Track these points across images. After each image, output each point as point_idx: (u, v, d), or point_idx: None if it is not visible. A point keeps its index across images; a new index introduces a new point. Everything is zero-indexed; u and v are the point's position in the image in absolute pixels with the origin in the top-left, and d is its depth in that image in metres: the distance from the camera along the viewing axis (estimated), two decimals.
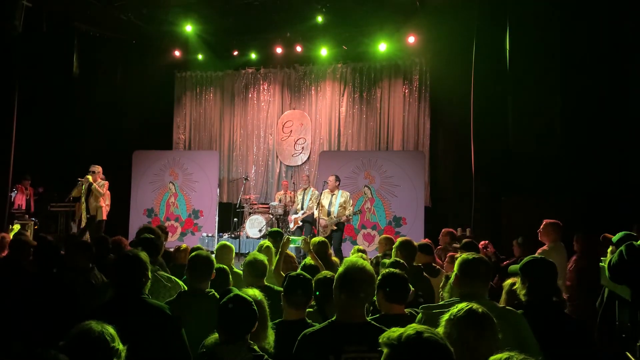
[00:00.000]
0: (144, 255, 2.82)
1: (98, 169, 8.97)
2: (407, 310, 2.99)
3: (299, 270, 4.18)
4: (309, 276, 3.03)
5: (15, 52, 8.39)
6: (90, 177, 8.81)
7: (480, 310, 2.05)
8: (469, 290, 2.57)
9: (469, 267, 2.63)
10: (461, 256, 2.73)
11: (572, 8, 7.63)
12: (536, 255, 3.09)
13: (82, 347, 1.85)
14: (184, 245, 5.42)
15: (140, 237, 4.43)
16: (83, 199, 8.87)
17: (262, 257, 3.84)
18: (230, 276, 3.73)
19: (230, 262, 4.54)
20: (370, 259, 4.89)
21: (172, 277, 3.89)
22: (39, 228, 9.80)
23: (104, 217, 8.91)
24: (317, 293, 3.03)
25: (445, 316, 2.08)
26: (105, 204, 8.95)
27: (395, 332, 1.56)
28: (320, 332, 2.34)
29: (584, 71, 7.65)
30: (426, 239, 6.45)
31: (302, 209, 9.21)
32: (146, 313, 2.65)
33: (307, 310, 3.17)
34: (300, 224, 9.15)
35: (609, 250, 4.63)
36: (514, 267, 3.03)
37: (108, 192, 9.13)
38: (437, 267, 5.00)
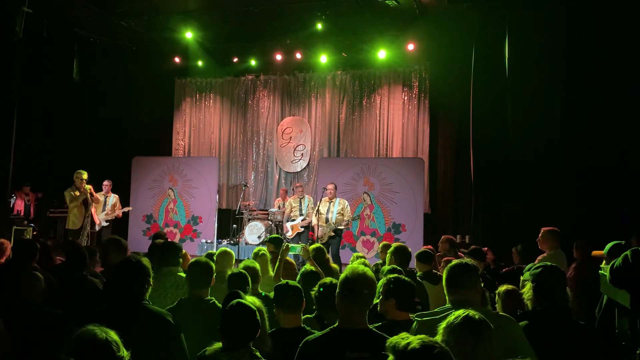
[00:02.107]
0: (146, 261, 2.82)
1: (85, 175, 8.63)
2: (411, 316, 3.00)
3: (298, 277, 4.21)
4: (295, 283, 3.06)
5: (15, 58, 8.40)
6: (89, 187, 8.56)
7: (477, 316, 2.06)
8: (458, 297, 2.56)
9: (453, 274, 2.63)
10: (449, 264, 2.74)
11: (571, 15, 7.67)
12: (546, 263, 3.07)
13: (87, 354, 1.84)
14: (182, 252, 5.40)
15: (164, 242, 4.53)
16: (87, 210, 8.63)
17: (254, 263, 3.92)
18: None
19: (230, 268, 4.55)
20: (370, 266, 4.89)
21: None
22: (38, 234, 9.79)
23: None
24: (321, 290, 3.10)
25: (443, 324, 2.09)
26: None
27: (403, 340, 1.58)
28: (323, 338, 2.35)
29: (584, 79, 7.69)
30: (429, 246, 6.46)
31: (300, 215, 9.26)
32: (147, 319, 2.64)
33: (306, 317, 3.18)
34: (302, 230, 9.17)
35: (604, 262, 4.63)
36: (526, 276, 3.02)
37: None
38: (439, 274, 4.99)
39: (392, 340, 1.60)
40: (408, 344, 1.56)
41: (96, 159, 11.55)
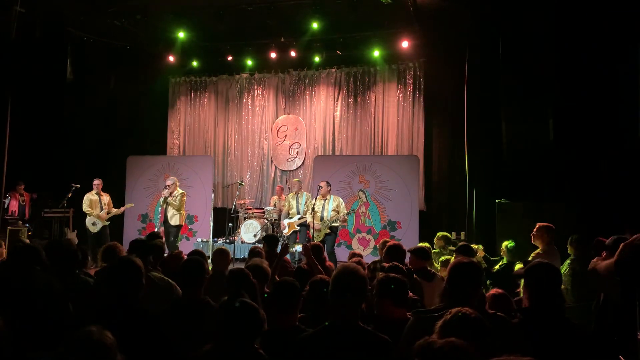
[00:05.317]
0: (138, 261, 2.81)
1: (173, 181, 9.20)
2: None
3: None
4: (293, 280, 3.04)
5: (8, 58, 8.37)
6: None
7: (473, 315, 2.07)
8: (458, 296, 2.55)
9: (458, 272, 2.62)
10: (452, 261, 2.74)
11: (565, 12, 7.68)
12: (541, 260, 3.07)
13: (84, 355, 1.84)
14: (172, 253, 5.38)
15: (134, 241, 4.49)
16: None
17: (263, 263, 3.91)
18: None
19: (226, 266, 4.55)
20: (367, 263, 4.90)
21: (165, 277, 3.90)
22: (33, 234, 9.76)
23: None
24: (314, 288, 3.08)
25: (440, 322, 2.10)
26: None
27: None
28: (315, 336, 2.36)
29: (577, 75, 7.70)
30: (424, 243, 6.46)
31: (297, 213, 9.20)
32: (139, 320, 2.64)
33: (301, 315, 3.17)
34: (297, 228, 9.11)
35: (603, 256, 4.63)
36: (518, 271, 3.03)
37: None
38: (433, 271, 5.00)
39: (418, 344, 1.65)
40: (432, 343, 1.60)
41: (90, 158, 11.52)
